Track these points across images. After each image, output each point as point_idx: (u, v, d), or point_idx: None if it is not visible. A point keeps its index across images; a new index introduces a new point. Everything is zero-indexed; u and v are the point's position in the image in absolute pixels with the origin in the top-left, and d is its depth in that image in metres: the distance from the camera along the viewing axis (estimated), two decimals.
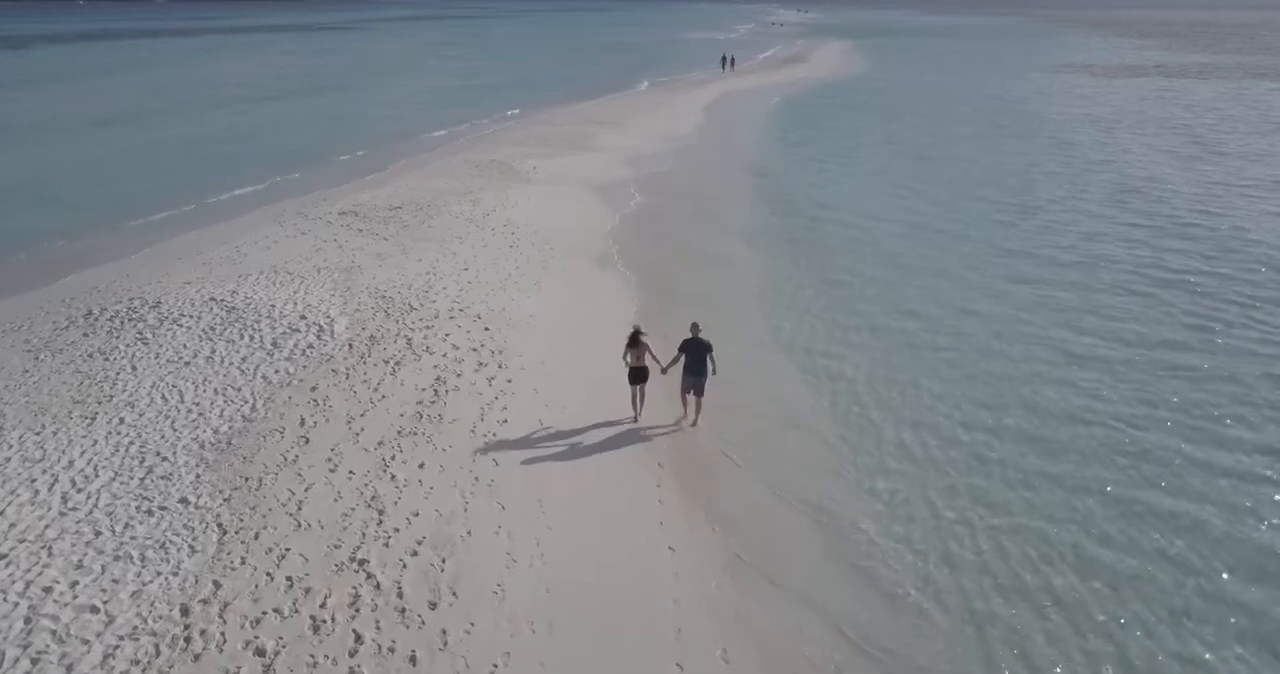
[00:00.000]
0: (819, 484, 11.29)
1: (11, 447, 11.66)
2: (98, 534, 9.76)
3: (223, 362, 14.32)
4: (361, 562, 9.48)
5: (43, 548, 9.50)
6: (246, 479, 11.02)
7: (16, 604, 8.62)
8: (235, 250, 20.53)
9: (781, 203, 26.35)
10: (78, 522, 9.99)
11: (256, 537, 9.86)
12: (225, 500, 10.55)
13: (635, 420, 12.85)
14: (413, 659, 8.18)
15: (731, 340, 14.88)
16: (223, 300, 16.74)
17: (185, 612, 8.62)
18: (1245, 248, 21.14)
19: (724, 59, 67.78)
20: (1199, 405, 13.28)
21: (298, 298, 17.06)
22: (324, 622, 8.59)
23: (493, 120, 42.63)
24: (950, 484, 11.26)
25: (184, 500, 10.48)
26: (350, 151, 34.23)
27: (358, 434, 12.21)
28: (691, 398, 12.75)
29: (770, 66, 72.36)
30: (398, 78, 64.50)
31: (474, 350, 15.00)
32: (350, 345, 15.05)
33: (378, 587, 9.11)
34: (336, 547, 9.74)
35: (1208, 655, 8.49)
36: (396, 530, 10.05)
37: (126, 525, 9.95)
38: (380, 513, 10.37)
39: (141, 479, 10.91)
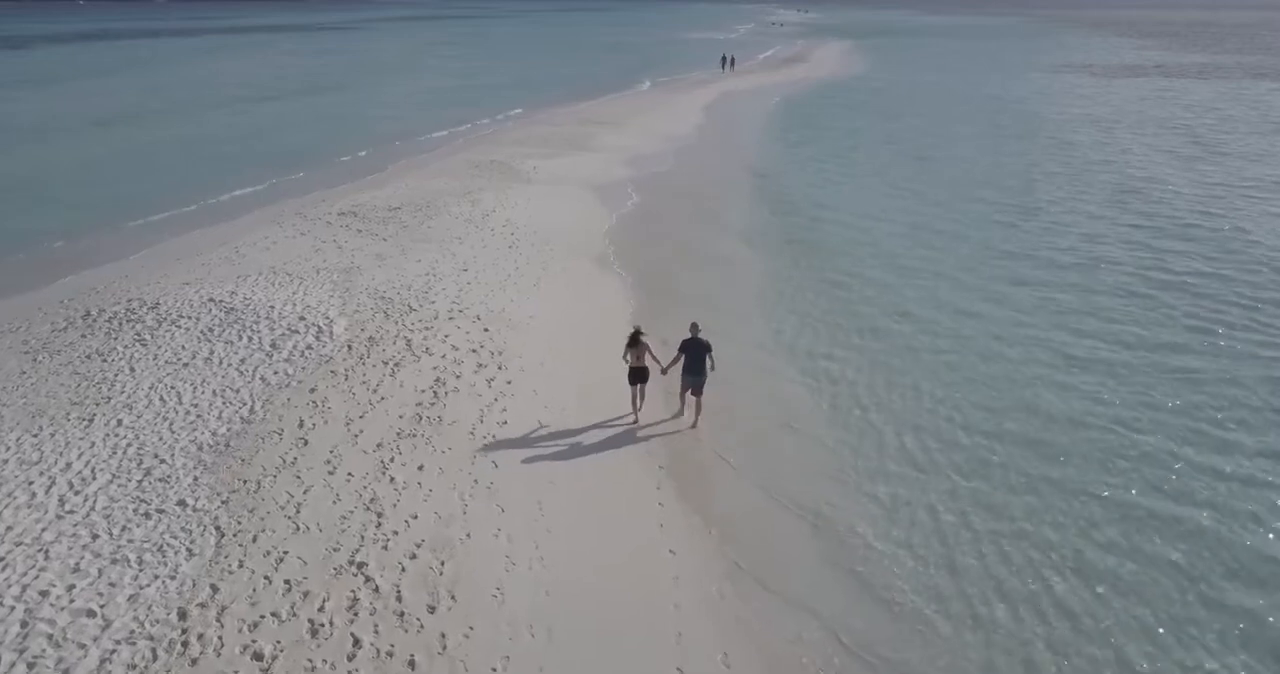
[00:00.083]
0: (817, 488, 11.23)
1: (9, 449, 11.61)
2: (95, 537, 9.72)
3: (221, 363, 14.27)
4: (360, 565, 9.44)
5: (39, 551, 9.45)
6: (245, 481, 10.98)
7: (13, 608, 8.57)
8: (234, 251, 20.48)
9: (781, 203, 26.31)
10: (75, 524, 9.94)
11: (254, 539, 9.82)
12: (223, 503, 10.51)
13: (635, 420, 12.82)
14: (411, 663, 8.14)
15: (731, 341, 14.84)
16: (221, 301, 16.70)
17: (183, 615, 8.58)
18: (1246, 249, 21.10)
19: (724, 59, 67.78)
20: (1200, 408, 13.23)
21: (297, 299, 17.01)
22: (322, 625, 8.55)
23: (493, 120, 42.59)
24: (950, 488, 11.20)
25: (182, 503, 10.44)
26: (350, 152, 34.17)
27: (356, 436, 12.16)
28: (691, 398, 12.75)
29: (770, 66, 72.32)
30: (398, 78, 64.45)
31: (473, 352, 14.95)
32: (349, 347, 15.00)
33: (376, 590, 9.07)
34: (335, 550, 9.69)
35: (1211, 664, 8.42)
36: (395, 533, 10.01)
37: (124, 528, 9.90)
38: (379, 515, 10.33)
39: (139, 481, 10.86)
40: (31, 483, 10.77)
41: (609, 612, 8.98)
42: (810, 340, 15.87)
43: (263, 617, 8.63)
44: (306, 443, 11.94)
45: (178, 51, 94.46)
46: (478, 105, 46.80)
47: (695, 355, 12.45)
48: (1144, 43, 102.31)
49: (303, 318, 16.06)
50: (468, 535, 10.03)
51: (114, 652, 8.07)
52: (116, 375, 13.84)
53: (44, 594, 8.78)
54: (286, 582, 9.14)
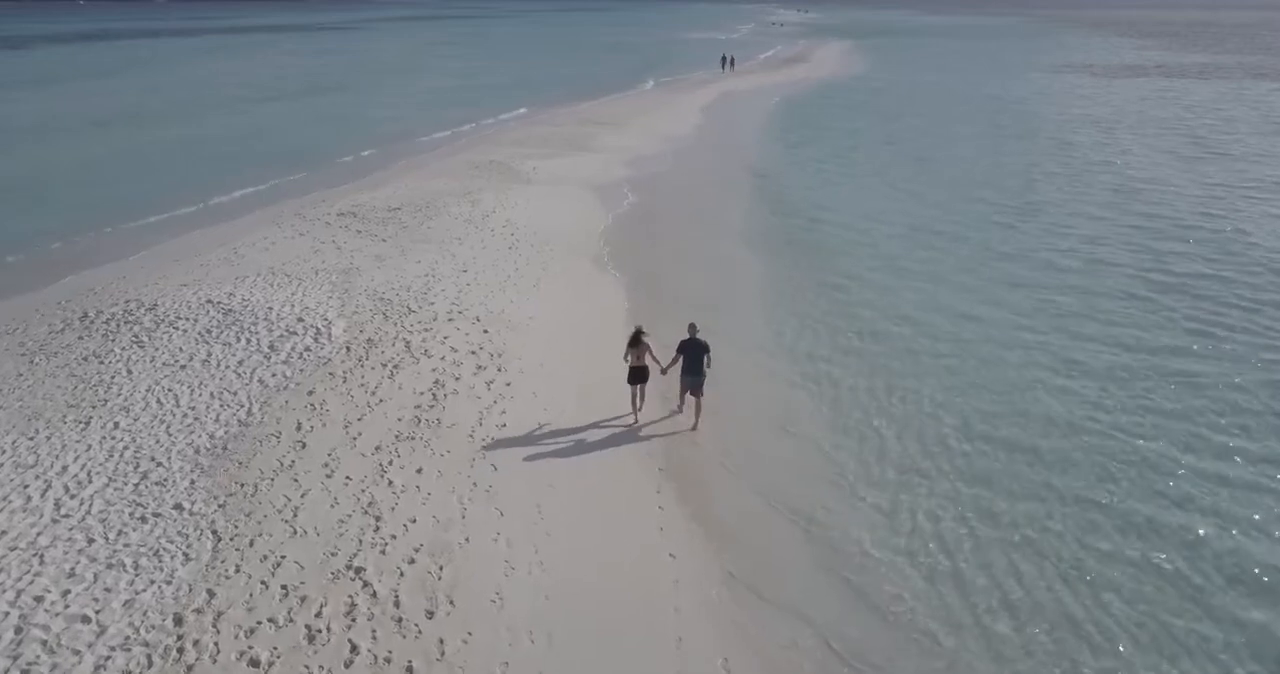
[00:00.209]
0: (816, 493, 11.13)
1: (4, 452, 11.53)
2: (90, 541, 9.65)
3: (219, 365, 14.20)
4: (358, 569, 9.37)
5: (34, 556, 9.38)
6: (242, 485, 10.91)
7: (7, 614, 8.50)
8: (233, 252, 20.41)
9: (781, 204, 26.24)
10: (70, 528, 9.87)
11: (251, 544, 9.75)
12: (220, 507, 10.44)
13: (635, 421, 12.78)
14: (409, 670, 8.07)
15: (731, 343, 14.77)
16: (220, 303, 16.63)
17: (179, 621, 8.51)
18: (1247, 250, 21.02)
19: (724, 59, 67.76)
20: (1202, 413, 13.11)
21: (295, 300, 16.94)
22: (319, 631, 8.48)
23: (493, 120, 42.52)
24: (951, 494, 11.09)
25: (178, 507, 10.37)
26: (350, 152, 34.09)
27: (355, 439, 12.09)
28: (691, 398, 12.72)
29: (770, 66, 72.28)
30: (398, 78, 64.39)
31: (473, 353, 14.88)
32: (348, 348, 14.93)
33: (374, 595, 9.00)
34: (333, 554, 9.62)
35: None
36: (394, 537, 9.94)
37: (120, 532, 9.83)
38: (377, 519, 10.26)
39: (136, 485, 10.79)
40: (27, 486, 10.69)
41: (609, 616, 8.91)
42: (810, 343, 15.80)
43: (259, 622, 8.56)
44: (304, 446, 11.87)
45: (178, 51, 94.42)
46: (478, 105, 46.73)
47: (693, 356, 12.45)
48: (1144, 43, 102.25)
49: (301, 319, 15.99)
50: (466, 539, 9.96)
51: (109, 658, 8.00)
52: (113, 378, 13.77)
53: (39, 599, 8.70)
54: (283, 587, 9.07)
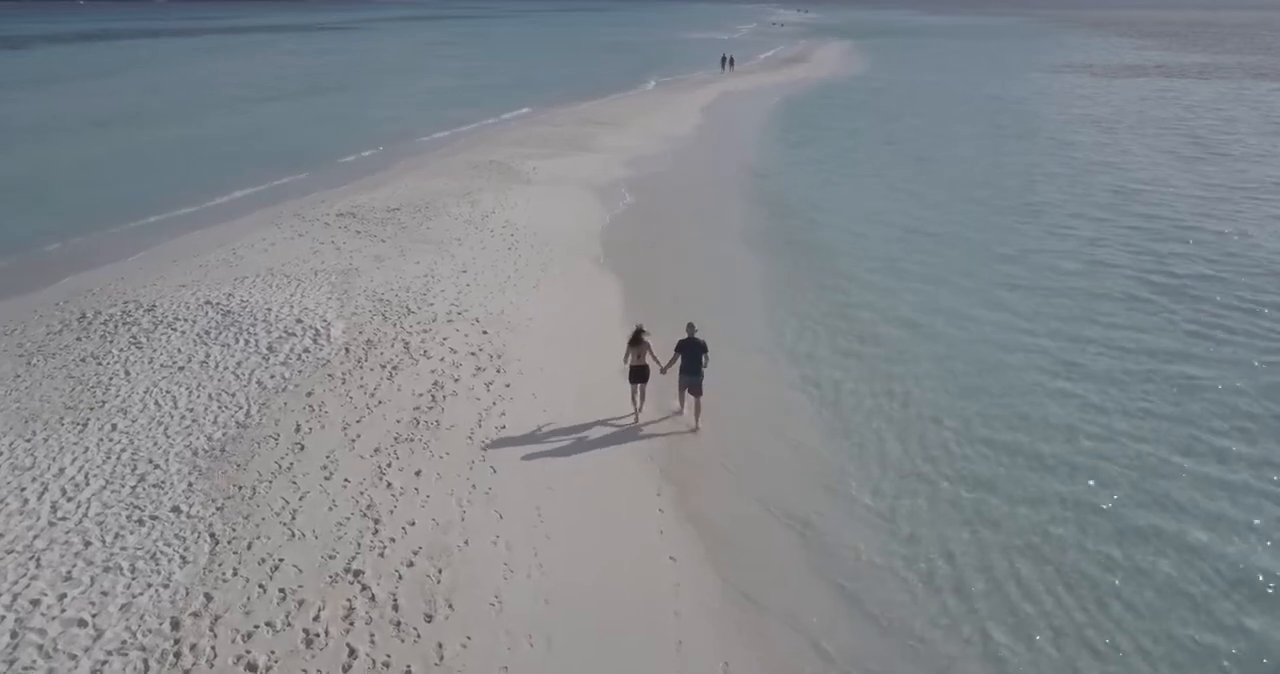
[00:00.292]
0: (815, 498, 11.02)
1: (1, 454, 11.47)
2: (87, 544, 9.59)
3: (217, 366, 14.15)
4: (356, 573, 9.31)
5: (31, 559, 9.32)
6: (240, 487, 10.85)
7: (3, 618, 8.44)
8: (232, 252, 20.36)
9: (780, 204, 26.18)
10: (67, 532, 9.81)
11: (249, 547, 9.69)
12: (218, 509, 10.38)
13: (635, 420, 12.76)
14: None
15: (730, 345, 14.68)
16: (218, 304, 16.57)
17: (175, 625, 8.45)
18: (1248, 252, 20.95)
19: (724, 59, 67.80)
20: (1204, 417, 12.98)
21: (294, 301, 16.89)
22: (317, 635, 8.42)
23: (493, 120, 42.46)
24: (952, 499, 10.98)
25: (176, 509, 10.31)
26: (349, 152, 34.05)
27: (354, 441, 12.04)
28: (690, 398, 12.70)
29: (771, 66, 72.25)
30: (398, 78, 64.35)
31: (472, 354, 14.83)
32: (347, 350, 14.88)
33: (373, 599, 8.94)
34: (331, 557, 9.56)
35: None
36: (392, 540, 9.88)
37: (117, 535, 9.77)
38: (376, 522, 10.20)
39: (133, 487, 10.73)
40: (24, 489, 10.64)
41: (609, 619, 8.85)
42: (810, 344, 15.73)
43: (257, 626, 8.50)
44: (303, 448, 11.81)
45: (178, 51, 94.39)
46: (478, 105, 46.70)
47: (692, 355, 12.46)
48: (1144, 43, 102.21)
49: (300, 320, 15.93)
50: (465, 542, 9.90)
51: (105, 663, 7.94)
52: (111, 379, 13.72)
53: (35, 603, 8.64)
54: (281, 590, 9.01)
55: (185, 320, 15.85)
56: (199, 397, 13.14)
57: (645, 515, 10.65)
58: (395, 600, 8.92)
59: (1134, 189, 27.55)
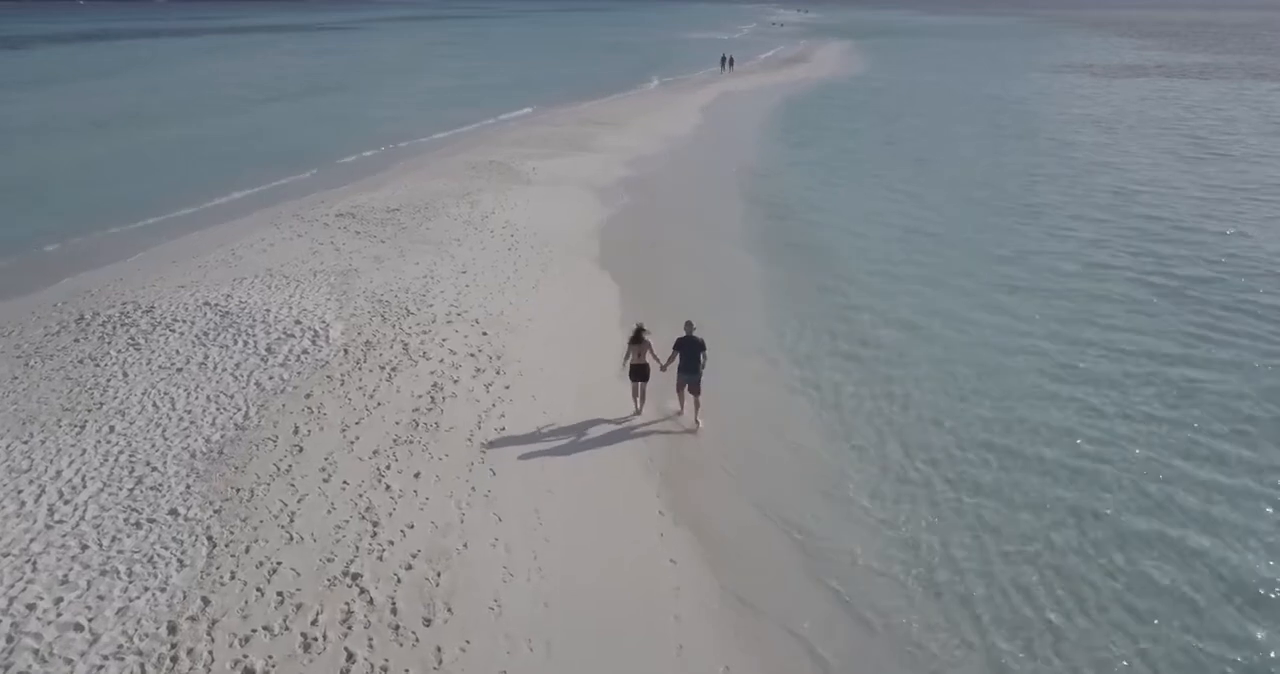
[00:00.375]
0: (814, 502, 10.95)
1: None
2: (84, 548, 9.54)
3: (216, 368, 14.09)
4: (355, 576, 9.26)
5: (27, 562, 9.27)
6: (238, 490, 10.80)
7: None
8: (231, 253, 20.30)
9: (780, 206, 26.12)
10: (64, 535, 9.76)
11: (247, 550, 9.64)
12: (216, 512, 10.33)
13: (638, 412, 12.86)
14: None
15: (730, 346, 14.63)
16: (217, 305, 16.52)
17: (172, 629, 8.40)
18: (1249, 253, 20.88)
19: (723, 59, 67.83)
20: (1205, 421, 12.89)
21: (293, 302, 16.83)
22: (315, 639, 8.37)
23: (493, 120, 42.42)
24: (947, 504, 10.92)
25: (173, 512, 10.26)
26: (349, 153, 34.00)
27: (352, 443, 11.98)
28: (689, 395, 12.70)
29: (771, 67, 72.20)
30: (398, 78, 64.31)
31: (471, 356, 14.77)
32: (346, 351, 14.82)
33: (371, 602, 8.89)
34: (329, 560, 9.51)
35: None
36: (391, 543, 9.83)
37: (114, 539, 9.72)
38: (374, 525, 10.15)
39: (130, 490, 10.68)
40: (20, 492, 10.59)
41: (609, 623, 8.81)
42: (809, 346, 15.68)
43: (254, 630, 8.45)
44: (301, 450, 11.76)
45: (178, 51, 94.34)
46: (477, 106, 46.66)
47: (690, 353, 12.48)
48: (1144, 43, 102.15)
49: (299, 322, 15.88)
50: (465, 545, 9.85)
51: (101, 667, 7.89)
52: (109, 381, 13.67)
53: (31, 607, 8.59)
54: (279, 594, 8.96)
55: (184, 322, 15.80)
56: (197, 398, 13.09)
57: (645, 518, 10.61)
58: (394, 604, 8.87)
59: (1134, 190, 27.49)
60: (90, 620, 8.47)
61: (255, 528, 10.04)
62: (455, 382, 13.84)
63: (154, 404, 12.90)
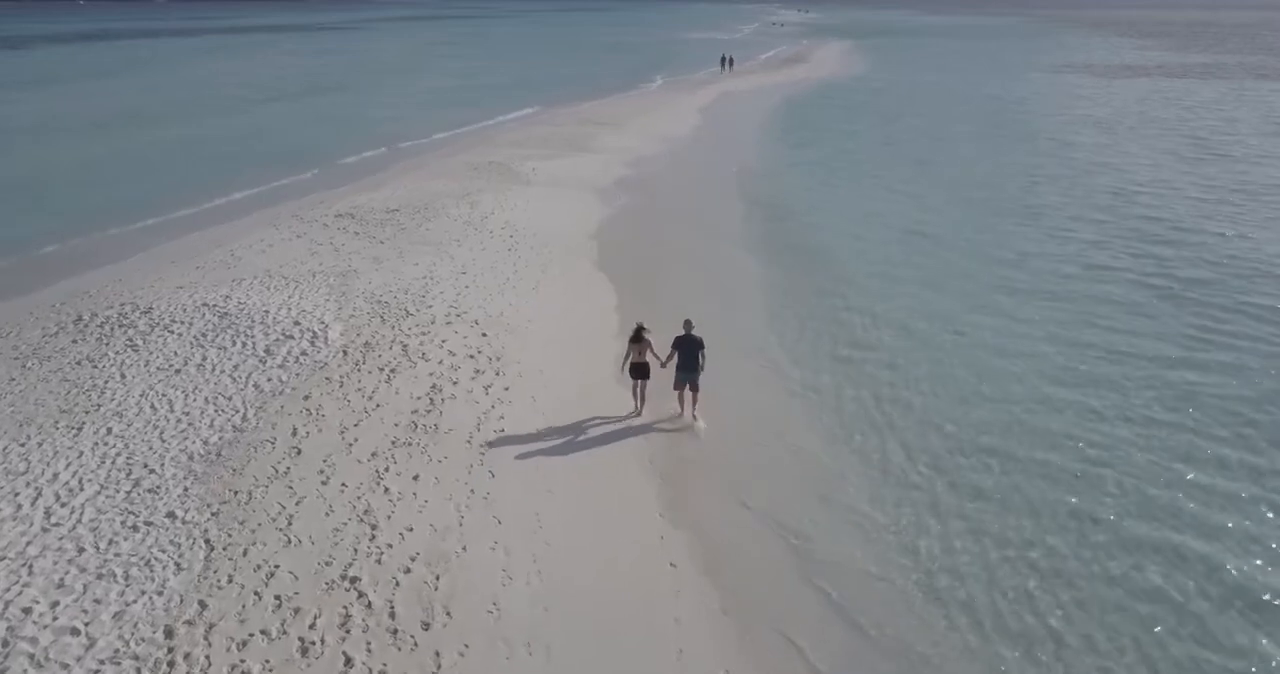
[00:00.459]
0: (814, 505, 10.89)
1: None
2: (81, 551, 9.49)
3: (214, 369, 14.05)
4: (353, 579, 9.22)
5: (23, 566, 9.22)
6: (236, 492, 10.75)
7: None
8: (230, 254, 20.25)
9: (779, 206, 26.07)
10: (60, 538, 9.71)
11: (245, 553, 9.59)
12: (213, 515, 10.28)
13: (638, 412, 12.84)
14: None
15: (729, 347, 14.61)
16: (215, 306, 16.48)
17: (169, 634, 8.35)
18: (1249, 254, 20.81)
19: (723, 59, 67.81)
20: (1206, 426, 12.80)
21: (292, 303, 16.79)
22: (313, 643, 8.33)
23: (492, 121, 42.38)
24: (947, 509, 10.84)
25: (171, 515, 10.22)
26: (349, 153, 33.96)
27: (351, 445, 11.94)
28: (688, 394, 12.71)
29: (771, 67, 72.16)
30: (398, 78, 64.27)
31: (471, 357, 14.73)
32: (344, 352, 14.78)
33: (369, 606, 8.85)
34: (327, 563, 9.47)
35: None
36: (389, 546, 9.78)
37: (111, 542, 9.67)
38: (373, 528, 10.10)
39: (128, 493, 10.63)
40: (17, 494, 10.54)
41: (609, 626, 8.77)
42: (809, 347, 15.63)
43: (252, 635, 8.40)
44: (299, 452, 11.71)
45: (178, 51, 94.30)
46: (477, 106, 46.63)
47: (688, 352, 12.48)
48: (1144, 43, 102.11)
49: (298, 323, 15.83)
50: (464, 548, 9.81)
51: (98, 672, 7.84)
52: (107, 382, 13.62)
53: (27, 611, 8.54)
54: (277, 597, 8.91)
55: (182, 323, 15.75)
56: (195, 400, 13.04)
57: (645, 520, 10.56)
58: (392, 608, 8.82)
59: (1134, 191, 27.44)
60: (87, 625, 8.42)
61: (253, 531, 10.00)
62: (454, 383, 13.79)
63: (152, 406, 12.85)
